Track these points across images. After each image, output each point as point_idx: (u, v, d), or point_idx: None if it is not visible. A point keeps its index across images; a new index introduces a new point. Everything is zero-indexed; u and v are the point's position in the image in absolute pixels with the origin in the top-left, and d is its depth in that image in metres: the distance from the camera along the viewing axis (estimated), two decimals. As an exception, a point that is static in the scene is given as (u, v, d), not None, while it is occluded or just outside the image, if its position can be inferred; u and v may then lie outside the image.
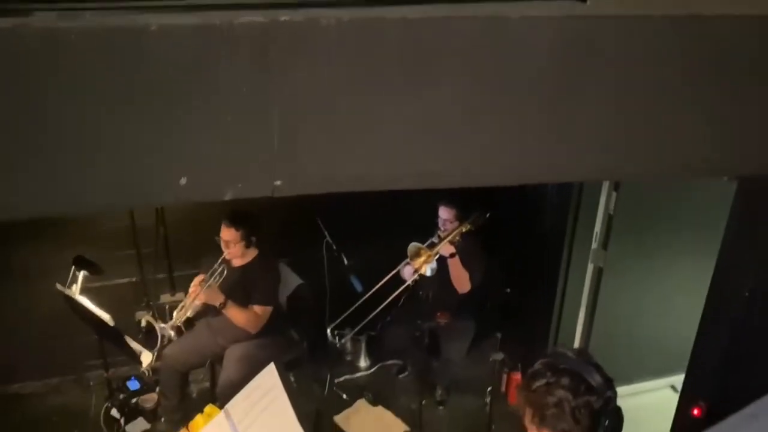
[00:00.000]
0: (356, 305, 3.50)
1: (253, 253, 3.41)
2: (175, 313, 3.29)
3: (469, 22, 1.38)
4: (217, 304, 3.23)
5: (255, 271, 3.39)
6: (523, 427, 1.56)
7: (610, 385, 1.50)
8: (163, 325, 3.22)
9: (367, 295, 3.51)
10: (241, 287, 3.36)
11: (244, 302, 3.34)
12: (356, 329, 3.78)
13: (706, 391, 2.30)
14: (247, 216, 3.27)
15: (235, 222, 3.22)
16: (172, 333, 3.27)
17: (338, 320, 3.71)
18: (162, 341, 3.39)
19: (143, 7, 1.26)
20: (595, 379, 1.47)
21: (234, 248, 3.27)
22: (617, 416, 1.51)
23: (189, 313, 3.25)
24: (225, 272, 3.27)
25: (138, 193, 1.42)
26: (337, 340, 3.83)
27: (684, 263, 3.54)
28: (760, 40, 1.54)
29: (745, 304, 2.07)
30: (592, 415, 1.45)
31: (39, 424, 3.63)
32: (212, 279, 3.24)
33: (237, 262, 3.38)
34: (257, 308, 3.35)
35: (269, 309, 3.38)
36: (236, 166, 1.42)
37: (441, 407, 3.87)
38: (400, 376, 4.16)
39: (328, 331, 3.74)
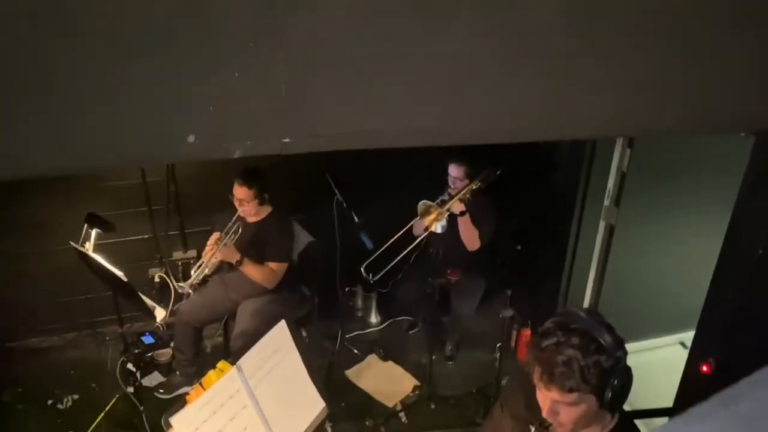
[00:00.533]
0: (367, 262, 3.51)
1: (267, 209, 3.44)
2: (192, 271, 3.33)
3: (481, -27, 1.33)
4: (233, 261, 3.27)
5: (270, 227, 3.42)
6: (531, 385, 1.57)
7: (620, 345, 1.50)
8: (181, 284, 3.27)
9: (378, 252, 3.51)
10: (256, 244, 3.39)
11: (259, 258, 3.38)
12: (372, 282, 3.71)
13: (715, 348, 2.30)
14: (258, 173, 3.28)
15: (247, 180, 3.24)
16: (191, 291, 3.32)
17: (371, 258, 3.62)
18: (178, 298, 3.45)
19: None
20: (606, 339, 1.46)
21: (248, 206, 3.29)
22: (627, 376, 1.51)
23: (207, 271, 3.29)
24: (240, 230, 3.30)
25: (146, 151, 1.41)
26: (371, 277, 3.75)
27: (697, 221, 3.51)
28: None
29: (758, 262, 2.06)
30: (601, 375, 1.45)
31: (58, 377, 3.72)
32: (228, 237, 3.27)
33: (252, 219, 3.41)
34: (273, 264, 3.39)
35: (285, 265, 3.41)
36: (244, 123, 1.41)
37: (450, 362, 3.93)
38: (411, 332, 4.20)
39: (362, 269, 3.66)
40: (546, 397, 1.52)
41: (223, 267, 3.50)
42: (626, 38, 1.48)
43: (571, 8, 1.42)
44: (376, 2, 1.33)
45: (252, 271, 3.33)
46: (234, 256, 3.27)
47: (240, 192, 3.25)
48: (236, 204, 3.28)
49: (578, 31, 1.46)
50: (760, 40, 1.54)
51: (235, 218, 3.30)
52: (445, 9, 1.36)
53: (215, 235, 3.30)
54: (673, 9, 1.46)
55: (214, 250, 3.23)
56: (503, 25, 1.42)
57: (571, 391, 1.45)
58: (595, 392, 1.47)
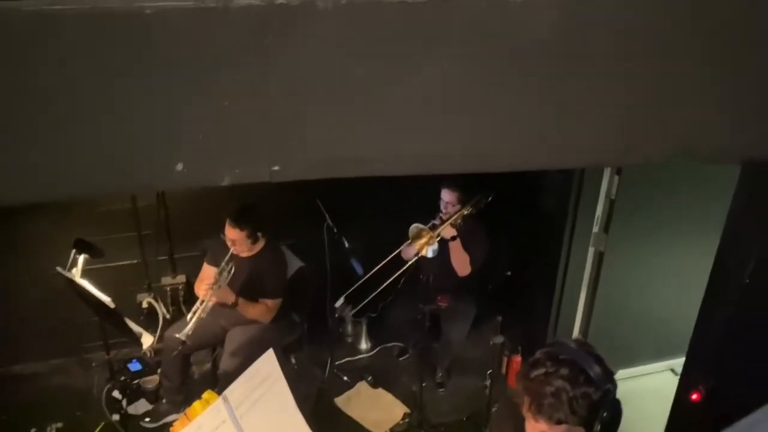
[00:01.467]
0: (357, 284, 3.50)
1: (260, 243, 3.40)
2: (188, 318, 3.18)
3: (469, 5, 1.35)
4: (229, 302, 3.23)
5: (264, 262, 3.38)
6: (520, 413, 1.56)
7: (610, 377, 1.49)
8: (177, 335, 3.12)
9: (367, 276, 3.51)
10: (251, 279, 3.36)
11: (254, 293, 3.35)
12: (356, 308, 3.72)
13: (706, 374, 2.30)
14: (251, 213, 3.24)
15: (239, 222, 3.19)
16: (187, 341, 3.13)
17: (341, 297, 3.61)
18: (166, 324, 3.38)
19: (138, -11, 1.24)
20: (595, 371, 1.46)
21: (240, 245, 3.26)
22: (616, 409, 1.50)
23: (203, 315, 3.17)
24: (233, 270, 3.26)
25: (135, 178, 1.41)
26: (348, 310, 3.73)
27: (685, 248, 3.53)
28: (761, 23, 1.51)
29: (746, 290, 2.07)
30: (590, 407, 1.44)
31: (42, 405, 3.66)
32: (222, 278, 3.21)
33: (245, 254, 3.37)
34: (268, 301, 3.36)
35: (279, 301, 3.40)
36: (234, 151, 1.41)
37: (441, 389, 3.89)
38: (401, 358, 4.17)
39: (338, 303, 3.62)
40: (535, 428, 1.50)
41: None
42: (613, 70, 1.50)
43: (560, 38, 1.44)
44: (366, 30, 1.34)
45: (247, 309, 3.31)
46: (230, 298, 3.22)
47: (232, 233, 3.21)
48: (228, 243, 3.24)
49: (566, 61, 1.48)
50: (744, 72, 1.57)
51: (228, 257, 3.24)
52: (434, 38, 1.38)
53: (208, 274, 3.24)
54: (659, 41, 1.49)
55: (210, 295, 3.15)
56: (493, 54, 1.43)
57: (559, 422, 1.44)
58: (583, 424, 1.46)
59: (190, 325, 3.12)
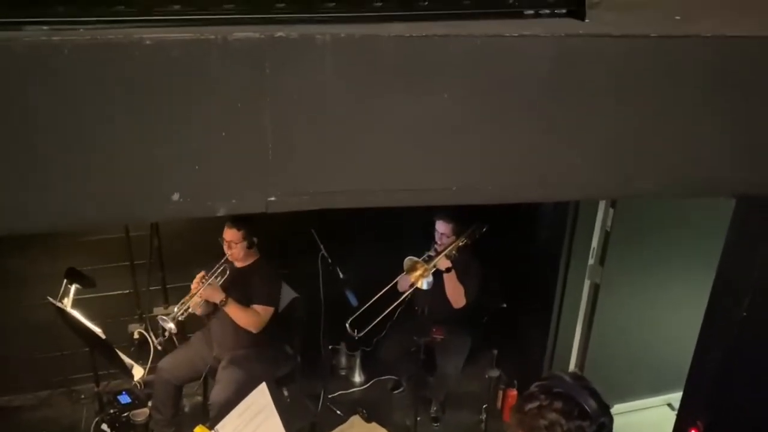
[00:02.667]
0: (351, 318, 3.46)
1: (254, 256, 3.44)
2: (176, 308, 3.27)
3: (466, 41, 1.37)
4: (217, 301, 3.22)
5: (256, 273, 3.41)
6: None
7: (605, 410, 1.47)
8: (164, 317, 3.21)
9: (362, 309, 3.47)
10: (242, 288, 3.36)
11: (245, 304, 3.34)
12: (355, 338, 3.68)
13: (703, 410, 2.28)
14: (248, 217, 3.26)
15: (237, 222, 3.27)
16: (173, 326, 3.24)
17: (356, 314, 3.59)
18: (157, 356, 3.35)
19: (138, 21, 1.25)
20: (590, 404, 1.44)
21: (236, 248, 3.29)
22: None
23: (191, 309, 3.24)
24: (227, 273, 3.30)
25: (130, 209, 1.40)
26: (355, 334, 3.69)
27: (681, 280, 3.53)
28: (751, 61, 1.54)
29: (742, 324, 2.06)
30: None
31: (29, 438, 3.59)
32: (213, 277, 3.26)
33: (239, 264, 3.40)
34: (259, 307, 3.34)
35: (271, 309, 3.37)
36: (230, 182, 1.41)
37: (436, 424, 3.83)
38: (395, 392, 4.12)
39: (347, 325, 3.61)
40: None
41: (210, 314, 3.45)
42: (607, 105, 1.52)
43: (556, 74, 1.46)
44: (363, 64, 1.35)
45: (236, 312, 3.27)
46: (218, 296, 3.22)
47: (229, 234, 3.27)
48: (225, 247, 3.29)
49: (561, 96, 1.49)
50: (737, 107, 1.59)
51: (222, 260, 3.29)
52: (430, 72, 1.39)
53: (201, 273, 3.28)
54: (653, 76, 1.51)
55: (199, 288, 3.19)
56: (488, 88, 1.45)
57: None
58: None
59: (177, 311, 3.18)
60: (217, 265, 3.29)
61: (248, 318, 3.30)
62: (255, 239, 3.37)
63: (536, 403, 1.45)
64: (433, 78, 1.40)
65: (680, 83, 1.53)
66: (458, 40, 1.37)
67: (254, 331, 3.33)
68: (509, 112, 1.49)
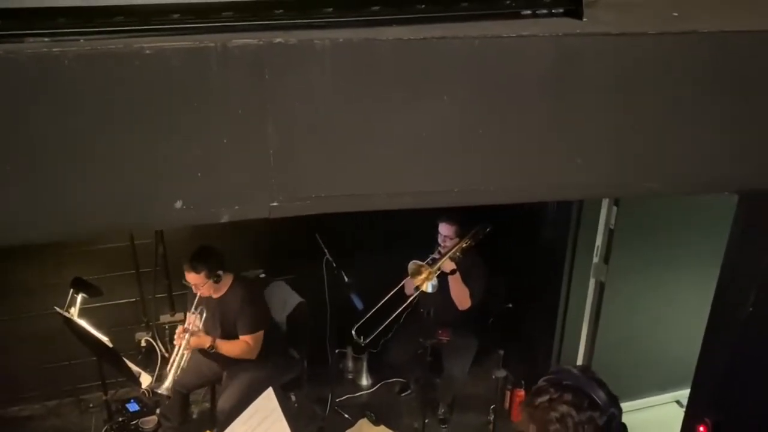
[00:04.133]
0: (358, 325, 3.47)
1: (228, 281, 3.33)
2: (168, 371, 3.17)
3: (464, 42, 1.37)
4: (206, 346, 3.20)
5: (235, 299, 3.31)
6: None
7: (614, 401, 1.48)
8: (158, 390, 3.12)
9: (368, 315, 3.48)
10: (226, 318, 3.31)
11: (233, 333, 3.30)
12: (363, 344, 3.68)
13: (711, 407, 2.27)
14: (207, 254, 3.19)
15: (195, 266, 3.13)
16: (169, 395, 3.17)
17: (360, 321, 3.56)
18: (164, 364, 3.34)
19: (137, 30, 1.26)
20: (599, 396, 1.45)
21: (204, 288, 3.20)
22: None
23: (183, 365, 3.17)
24: (204, 313, 3.24)
25: (133, 217, 1.41)
26: (361, 340, 3.68)
27: (686, 276, 3.52)
28: (751, 56, 1.54)
29: (748, 320, 2.05)
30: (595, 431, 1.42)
31: (38, 448, 3.60)
32: (193, 324, 3.19)
33: (215, 295, 3.31)
34: (247, 337, 3.29)
35: (260, 334, 3.32)
36: (233, 188, 1.41)
37: (444, 426, 3.83)
38: (403, 394, 4.11)
39: (353, 332, 3.60)
40: None
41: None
42: (609, 102, 1.52)
43: (557, 73, 1.46)
44: (363, 68, 1.36)
45: (228, 349, 3.26)
46: (205, 342, 3.19)
47: (191, 278, 3.16)
48: (193, 288, 3.21)
49: (563, 96, 1.49)
50: (739, 102, 1.59)
51: (196, 302, 3.22)
52: (430, 74, 1.40)
53: (180, 328, 3.22)
54: (653, 74, 1.51)
55: (184, 343, 3.13)
56: (488, 89, 1.45)
57: None
58: None
59: (170, 377, 3.11)
60: (192, 308, 3.22)
61: (241, 351, 3.28)
62: (220, 272, 3.22)
63: (546, 397, 1.46)
64: (432, 80, 1.40)
65: (680, 80, 1.53)
66: (456, 42, 1.37)
67: (252, 359, 3.30)
68: (509, 113, 1.49)
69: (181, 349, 3.13)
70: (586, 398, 1.45)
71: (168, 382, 3.10)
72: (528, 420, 1.49)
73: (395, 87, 1.39)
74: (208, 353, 3.34)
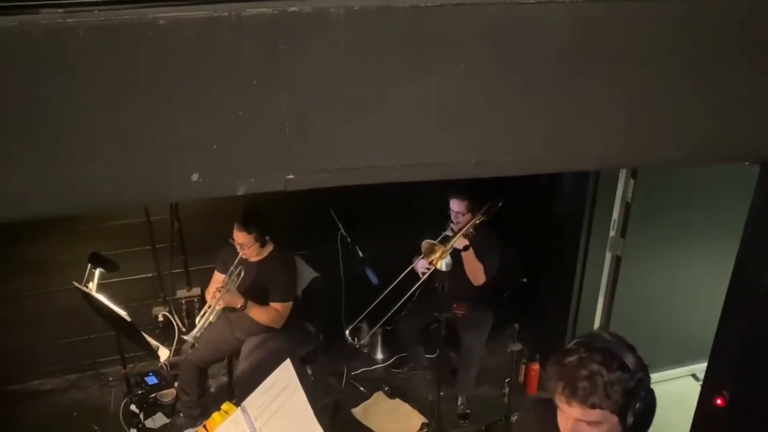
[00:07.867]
0: (371, 307, 3.49)
1: (269, 247, 3.41)
2: (197, 321, 3.23)
3: (482, 9, 1.35)
4: (237, 306, 3.24)
5: (273, 266, 3.39)
6: (545, 420, 1.54)
7: (643, 367, 1.49)
8: (185, 337, 3.17)
9: (383, 295, 3.50)
10: (259, 285, 3.36)
11: (264, 298, 3.34)
12: (373, 330, 3.81)
13: (728, 380, 2.26)
14: (258, 216, 3.25)
15: (247, 225, 3.21)
16: (195, 343, 3.20)
17: (354, 322, 3.71)
18: (182, 340, 3.39)
19: (151, 0, 1.25)
20: (629, 359, 1.46)
21: (249, 249, 3.27)
22: (650, 400, 1.49)
23: (212, 318, 3.21)
24: (242, 273, 3.28)
25: (150, 190, 1.41)
26: (356, 342, 3.84)
27: (704, 250, 3.48)
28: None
29: (769, 292, 2.03)
30: (624, 394, 1.42)
31: (59, 420, 3.67)
32: (230, 281, 3.23)
33: (254, 259, 3.38)
34: (277, 305, 3.34)
35: (290, 304, 3.38)
36: (248, 160, 1.41)
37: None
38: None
39: (347, 333, 3.73)
40: (568, 417, 1.48)
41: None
42: (626, 71, 1.49)
43: (575, 40, 1.43)
44: (379, 36, 1.34)
45: (257, 313, 3.30)
46: (238, 302, 3.23)
47: (240, 237, 3.23)
48: (237, 248, 3.26)
49: (581, 63, 1.47)
50: (761, 70, 1.55)
51: (237, 261, 3.27)
52: (446, 42, 1.38)
53: (218, 281, 3.26)
54: (673, 39, 1.47)
55: (218, 298, 3.18)
56: (505, 58, 1.42)
57: (593, 406, 1.42)
58: (617, 412, 1.44)
59: (198, 326, 3.15)
60: (233, 268, 3.26)
61: (269, 317, 3.32)
62: (267, 237, 3.32)
63: (576, 356, 1.47)
64: (448, 48, 1.38)
65: (699, 45, 1.49)
66: (474, 9, 1.35)
67: (276, 327, 3.34)
68: (527, 82, 1.46)
69: (215, 303, 3.18)
70: (615, 360, 1.45)
71: (196, 331, 3.15)
72: (555, 378, 1.48)
73: (411, 55, 1.37)
74: (231, 322, 3.37)
